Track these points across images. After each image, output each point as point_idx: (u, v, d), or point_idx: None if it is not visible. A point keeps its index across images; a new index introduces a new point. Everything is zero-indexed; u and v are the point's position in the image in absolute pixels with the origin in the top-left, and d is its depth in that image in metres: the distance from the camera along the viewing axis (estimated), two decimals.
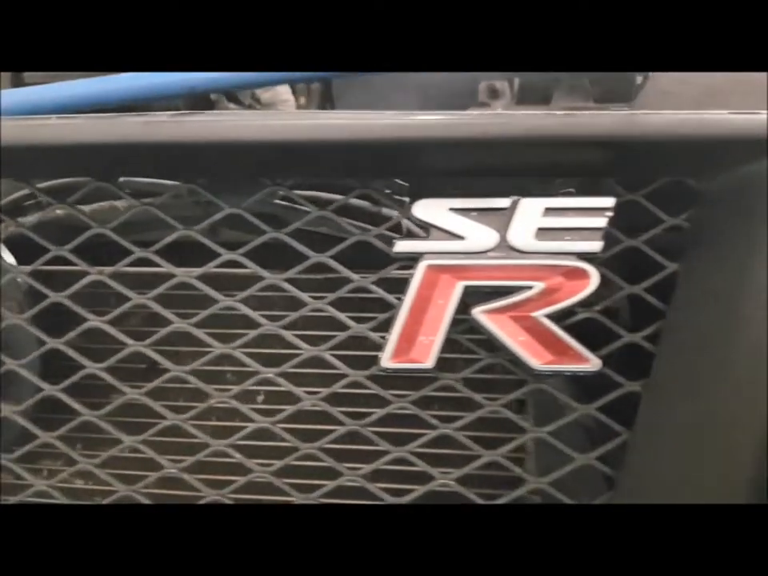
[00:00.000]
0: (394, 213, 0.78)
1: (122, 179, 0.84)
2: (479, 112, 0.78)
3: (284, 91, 1.37)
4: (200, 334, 0.80)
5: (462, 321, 0.76)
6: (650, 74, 0.89)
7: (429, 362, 0.75)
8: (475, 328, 0.76)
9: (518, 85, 1.17)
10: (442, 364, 0.76)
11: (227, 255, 0.78)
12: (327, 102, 1.41)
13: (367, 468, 0.79)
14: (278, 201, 0.82)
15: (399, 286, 0.76)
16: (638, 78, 1.09)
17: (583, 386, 0.80)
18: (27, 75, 1.05)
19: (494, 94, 1.09)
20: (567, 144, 0.74)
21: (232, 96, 1.33)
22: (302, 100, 1.47)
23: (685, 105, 0.79)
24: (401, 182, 0.82)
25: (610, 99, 1.13)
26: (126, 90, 0.89)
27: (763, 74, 0.82)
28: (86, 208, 0.90)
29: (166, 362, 0.80)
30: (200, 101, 1.18)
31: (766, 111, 0.71)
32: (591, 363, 0.74)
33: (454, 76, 1.20)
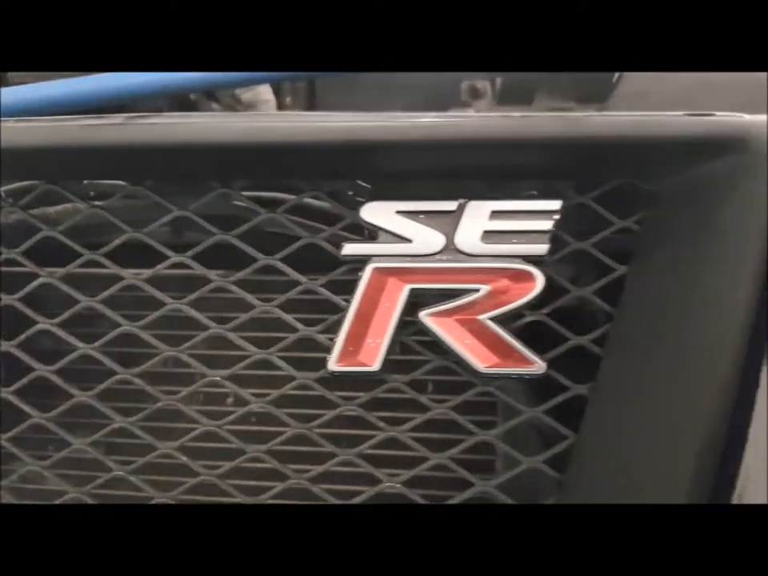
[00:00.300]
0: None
1: (85, 181, 0.84)
2: (427, 114, 0.76)
3: (265, 91, 1.37)
4: (148, 336, 0.79)
5: (411, 323, 0.75)
6: (624, 74, 0.89)
7: (375, 365, 0.75)
8: (423, 331, 0.75)
9: (500, 85, 1.17)
10: (392, 367, 0.76)
11: (175, 258, 0.78)
12: (312, 102, 1.41)
13: (315, 470, 0.78)
14: (238, 202, 0.81)
15: (350, 289, 0.75)
16: (615, 78, 1.09)
17: (537, 389, 0.80)
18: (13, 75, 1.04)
19: (476, 93, 1.09)
20: (514, 146, 0.74)
21: (213, 96, 1.33)
22: (288, 100, 1.47)
23: (658, 105, 0.80)
24: (363, 184, 0.80)
25: (592, 99, 1.13)
26: (99, 91, 0.89)
27: (738, 75, 0.83)
28: (52, 210, 0.89)
29: (113, 365, 0.79)
30: (182, 101, 1.19)
31: (718, 113, 0.72)
32: (536, 366, 0.74)
33: (439, 76, 1.20)
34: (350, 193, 0.82)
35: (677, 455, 0.72)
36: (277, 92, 1.41)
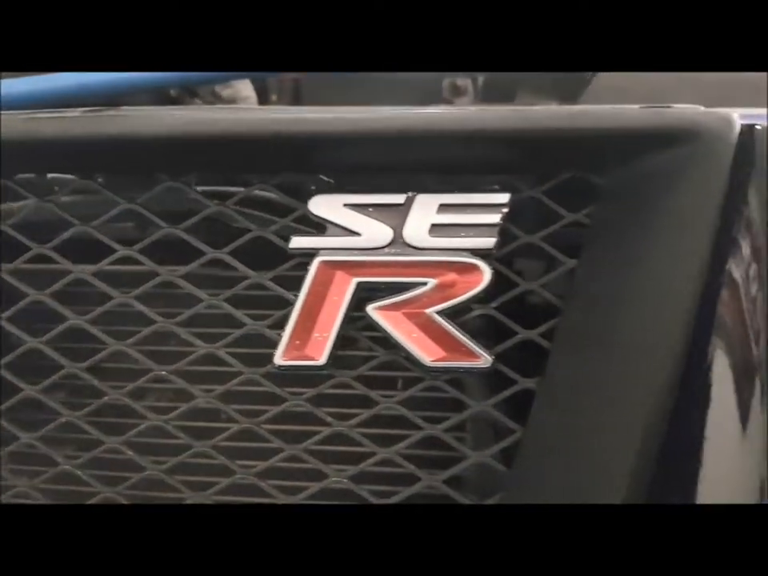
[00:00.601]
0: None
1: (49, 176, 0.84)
2: (375, 108, 0.76)
3: (244, 88, 1.37)
4: (95, 331, 0.79)
5: (359, 318, 0.75)
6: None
7: (322, 359, 0.74)
8: (372, 325, 0.75)
9: (482, 83, 1.16)
10: (340, 361, 0.76)
11: (122, 251, 0.78)
12: (297, 99, 1.42)
13: (261, 466, 0.77)
14: (191, 196, 0.81)
15: (299, 283, 0.75)
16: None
17: (493, 383, 0.79)
18: None
19: (457, 91, 1.09)
20: (462, 140, 0.74)
21: (194, 93, 1.33)
22: (274, 97, 1.47)
23: (634, 102, 0.78)
24: (326, 178, 0.80)
25: (575, 97, 1.13)
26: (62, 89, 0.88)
27: (713, 74, 0.84)
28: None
29: (61, 359, 0.79)
30: (163, 98, 1.19)
31: (676, 105, 0.73)
32: (483, 360, 0.74)
33: (422, 73, 1.20)
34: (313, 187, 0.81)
35: (614, 453, 0.71)
36: (262, 89, 1.41)
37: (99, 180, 0.79)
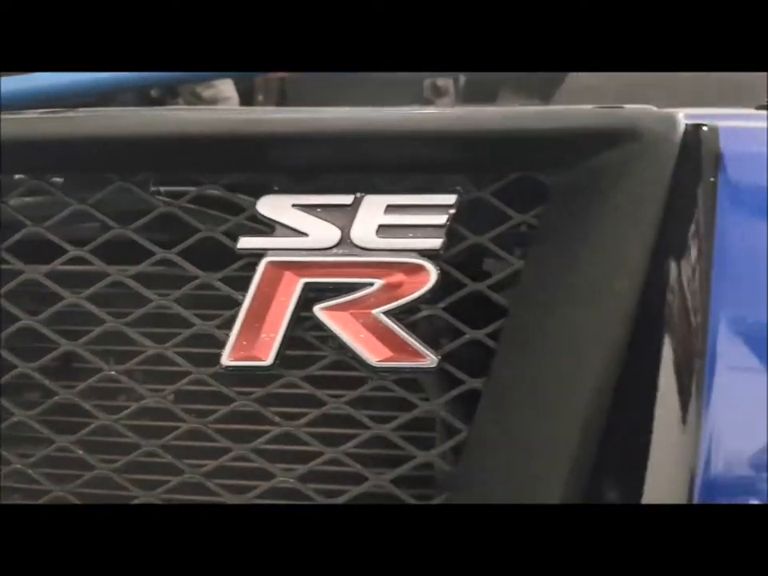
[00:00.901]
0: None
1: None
2: (325, 108, 0.77)
3: (226, 89, 1.38)
4: (46, 331, 0.79)
5: (308, 318, 0.75)
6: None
7: (268, 360, 0.74)
8: (319, 325, 0.75)
9: (463, 83, 1.16)
10: (289, 362, 0.76)
11: (73, 252, 0.78)
12: (283, 99, 1.42)
13: (210, 465, 0.78)
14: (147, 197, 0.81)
15: (249, 283, 0.75)
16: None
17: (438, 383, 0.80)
18: None
19: (438, 91, 1.10)
20: (411, 141, 0.75)
21: (175, 93, 1.33)
22: (260, 98, 1.47)
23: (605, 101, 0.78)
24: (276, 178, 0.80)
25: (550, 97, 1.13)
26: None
27: (687, 74, 0.86)
28: None
29: (14, 359, 0.79)
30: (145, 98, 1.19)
31: (628, 106, 0.73)
32: (429, 360, 0.74)
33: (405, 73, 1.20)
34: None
35: (552, 453, 0.72)
36: (248, 90, 1.41)
37: (51, 180, 0.79)
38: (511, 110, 0.77)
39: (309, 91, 1.36)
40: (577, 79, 1.23)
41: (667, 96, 0.97)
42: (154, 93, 1.31)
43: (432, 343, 0.75)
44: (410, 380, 0.78)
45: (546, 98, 1.34)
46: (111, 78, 0.86)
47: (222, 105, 1.40)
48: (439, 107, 1.32)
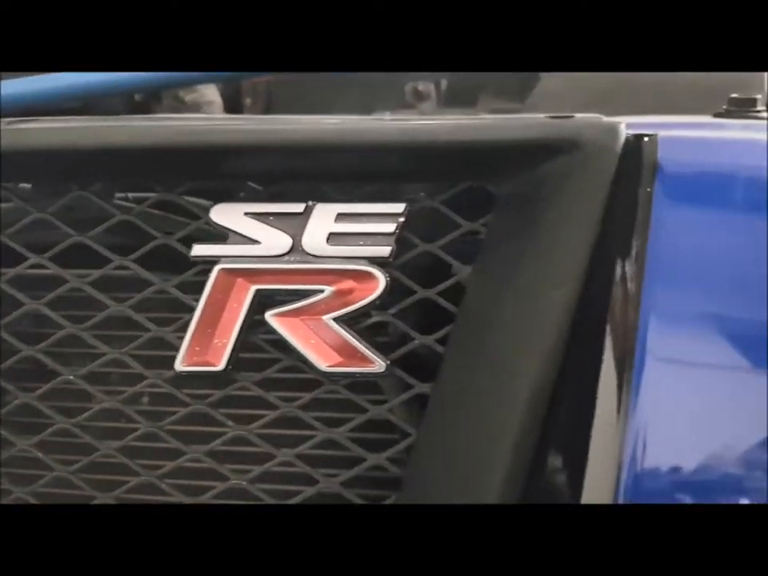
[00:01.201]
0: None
1: None
2: (279, 117, 0.78)
3: (209, 93, 1.39)
4: (6, 335, 0.80)
5: (260, 324, 0.77)
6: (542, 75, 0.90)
7: (221, 365, 0.76)
8: (273, 331, 0.77)
9: (445, 87, 1.17)
10: (241, 366, 0.78)
11: (34, 259, 0.80)
12: (269, 103, 1.42)
13: (167, 467, 0.80)
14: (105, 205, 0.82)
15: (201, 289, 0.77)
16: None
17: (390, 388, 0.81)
18: None
19: (419, 95, 1.11)
20: (361, 151, 0.77)
21: (158, 97, 1.34)
22: (248, 101, 1.48)
23: (570, 107, 0.81)
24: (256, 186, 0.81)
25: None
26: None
27: (654, 74, 0.90)
28: None
29: None
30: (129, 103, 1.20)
31: (578, 115, 0.74)
32: (377, 365, 0.76)
33: (390, 76, 1.21)
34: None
35: (491, 456, 0.73)
36: (236, 93, 1.42)
37: (11, 188, 0.80)
38: (459, 122, 0.78)
39: (295, 95, 1.37)
40: (549, 82, 1.25)
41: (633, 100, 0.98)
42: (137, 97, 1.32)
43: (386, 348, 0.77)
44: (370, 383, 0.80)
45: (521, 101, 1.35)
46: (104, 80, 0.88)
47: (204, 109, 1.41)
48: (421, 111, 1.35)
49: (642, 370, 0.69)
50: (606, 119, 0.74)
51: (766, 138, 0.73)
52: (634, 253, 0.71)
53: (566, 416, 0.74)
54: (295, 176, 0.79)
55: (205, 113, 1.39)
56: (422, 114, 1.33)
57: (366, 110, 1.22)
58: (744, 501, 0.70)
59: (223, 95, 1.47)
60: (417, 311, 0.79)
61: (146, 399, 0.85)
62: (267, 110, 1.49)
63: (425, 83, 1.34)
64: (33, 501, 0.83)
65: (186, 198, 0.79)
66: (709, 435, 0.70)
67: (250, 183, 0.80)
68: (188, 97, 1.38)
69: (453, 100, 1.39)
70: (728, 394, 0.70)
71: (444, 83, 1.38)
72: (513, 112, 1.26)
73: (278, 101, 1.52)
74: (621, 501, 0.68)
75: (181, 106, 1.40)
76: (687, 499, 0.70)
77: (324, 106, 0.91)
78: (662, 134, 0.73)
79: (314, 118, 0.82)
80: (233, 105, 1.48)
